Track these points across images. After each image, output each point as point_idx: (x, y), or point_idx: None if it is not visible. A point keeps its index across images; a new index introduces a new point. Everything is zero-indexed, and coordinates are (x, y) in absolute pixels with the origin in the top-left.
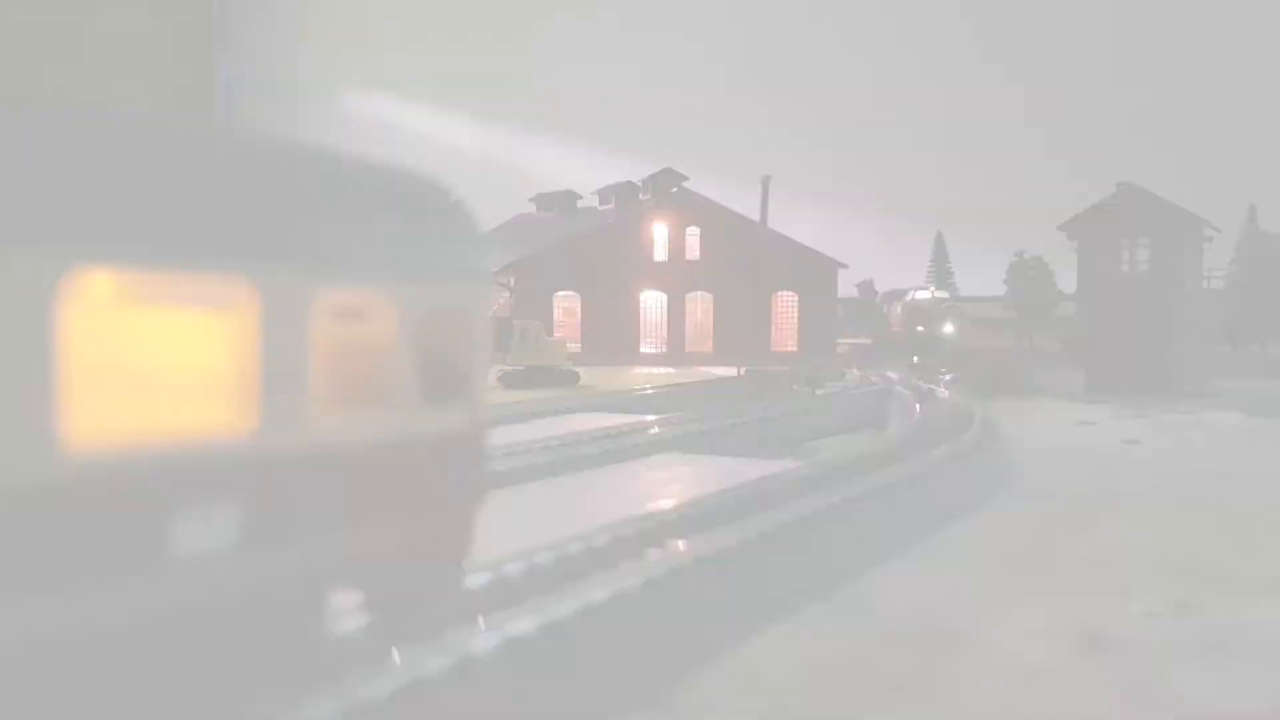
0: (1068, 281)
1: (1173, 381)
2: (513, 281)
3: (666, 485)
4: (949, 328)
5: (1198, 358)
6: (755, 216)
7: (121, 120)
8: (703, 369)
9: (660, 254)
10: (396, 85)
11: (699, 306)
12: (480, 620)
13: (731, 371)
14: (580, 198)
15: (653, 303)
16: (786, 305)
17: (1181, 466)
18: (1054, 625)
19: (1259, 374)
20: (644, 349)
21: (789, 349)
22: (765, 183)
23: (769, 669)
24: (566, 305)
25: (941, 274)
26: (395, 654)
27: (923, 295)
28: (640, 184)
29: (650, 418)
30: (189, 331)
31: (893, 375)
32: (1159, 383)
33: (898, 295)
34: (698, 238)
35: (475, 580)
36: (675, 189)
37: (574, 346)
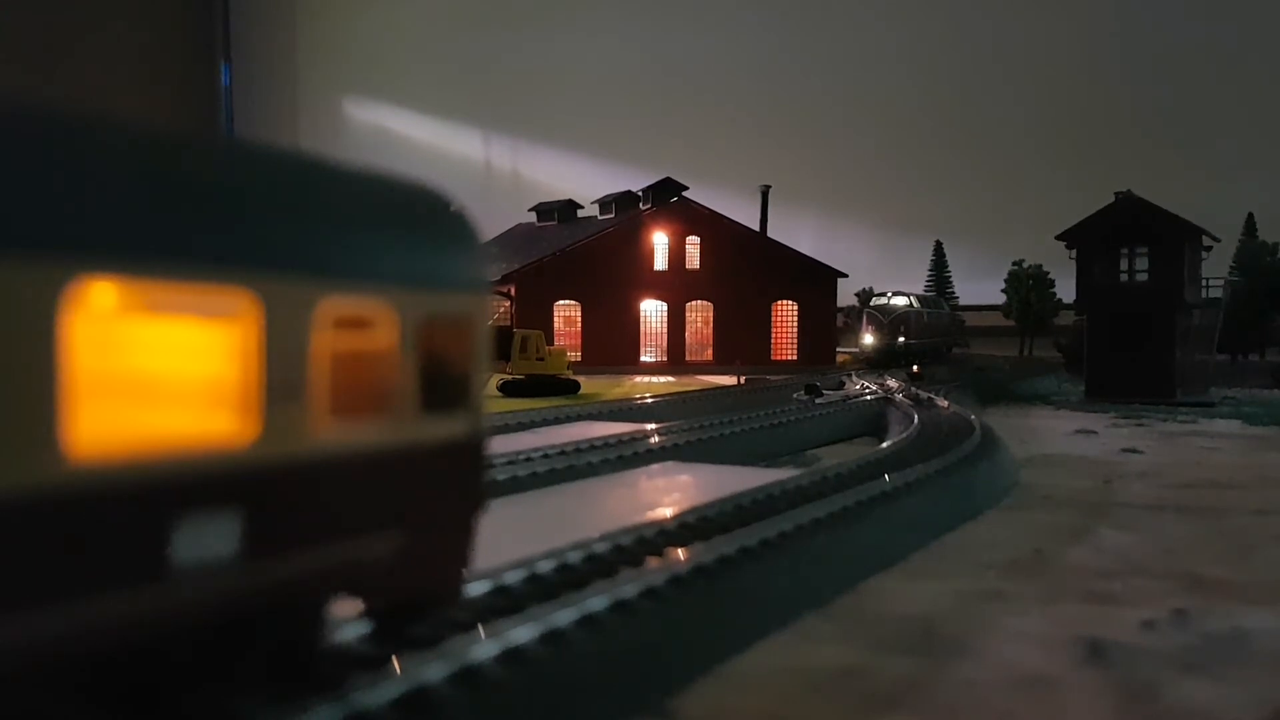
0: (1067, 290)
1: (1172, 390)
2: (513, 290)
3: (666, 493)
4: (900, 337)
5: (1197, 367)
6: (755, 226)
7: (125, 128)
8: (703, 378)
9: (660, 263)
10: (397, 95)
11: (699, 315)
12: (480, 628)
13: (732, 380)
14: (580, 207)
15: (653, 312)
16: (786, 314)
17: (1182, 476)
18: (1052, 633)
19: (1258, 383)
20: (644, 358)
21: (789, 358)
22: (765, 192)
23: (769, 676)
24: (567, 314)
25: (940, 282)
26: (395, 662)
27: (880, 301)
28: (640, 193)
29: (650, 426)
30: (191, 341)
31: (892, 384)
32: (1158, 392)
33: (865, 302)
34: (698, 247)
35: (475, 588)
36: (675, 198)
37: (574, 355)
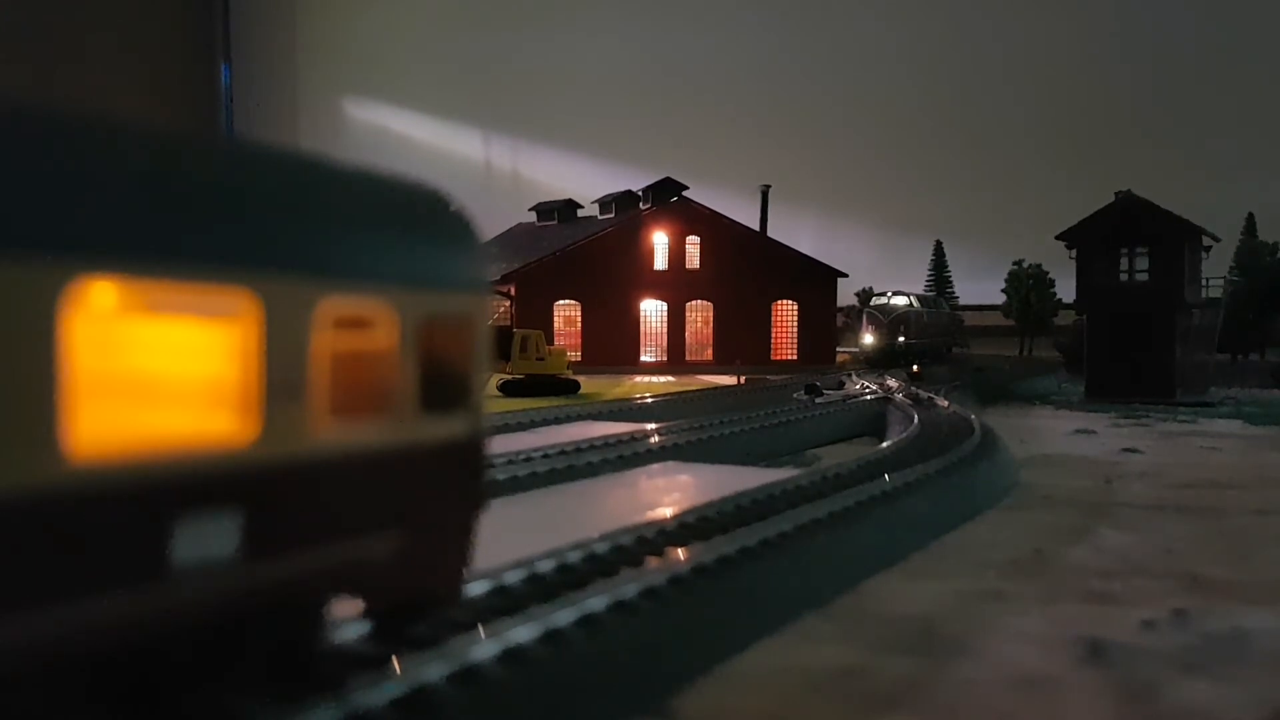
0: (1067, 290)
1: (1172, 390)
2: (513, 290)
3: (666, 493)
4: (900, 336)
5: (1197, 366)
6: (755, 226)
7: (125, 128)
8: (703, 378)
9: (660, 263)
10: (397, 95)
11: (699, 315)
12: (480, 628)
13: (731, 380)
14: (580, 207)
15: (653, 311)
16: (786, 314)
17: (1182, 475)
18: (1052, 633)
19: (1257, 383)
20: (644, 357)
21: (789, 357)
22: (765, 192)
23: (769, 676)
24: (567, 314)
25: (940, 282)
26: (395, 662)
27: (880, 301)
28: (640, 193)
29: (650, 426)
30: (191, 341)
31: (892, 383)
32: (1158, 391)
33: (865, 302)
34: (698, 246)
35: (475, 588)
36: (675, 198)
37: (574, 355)
